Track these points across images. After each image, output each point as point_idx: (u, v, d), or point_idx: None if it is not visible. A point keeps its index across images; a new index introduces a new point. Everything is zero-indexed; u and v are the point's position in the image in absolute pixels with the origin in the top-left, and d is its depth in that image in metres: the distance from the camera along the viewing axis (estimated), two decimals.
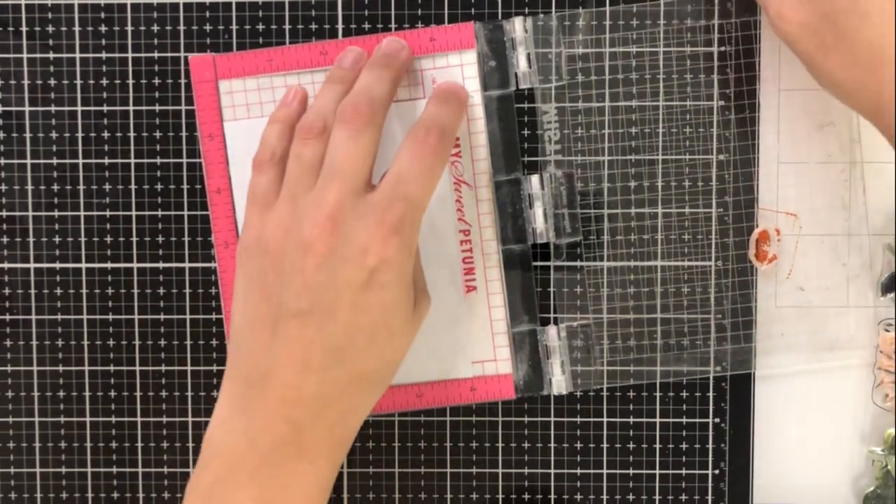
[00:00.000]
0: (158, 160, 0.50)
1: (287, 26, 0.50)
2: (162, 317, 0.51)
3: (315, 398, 0.43)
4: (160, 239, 0.51)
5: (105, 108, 0.50)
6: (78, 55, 0.50)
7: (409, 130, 0.44)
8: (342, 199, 0.42)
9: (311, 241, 0.42)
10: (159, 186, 0.51)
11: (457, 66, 0.49)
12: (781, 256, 0.50)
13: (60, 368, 0.51)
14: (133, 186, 0.51)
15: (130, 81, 0.50)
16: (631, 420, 0.51)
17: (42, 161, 0.51)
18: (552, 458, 0.51)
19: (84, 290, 0.51)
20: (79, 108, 0.50)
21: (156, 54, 0.50)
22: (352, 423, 0.45)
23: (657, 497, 0.51)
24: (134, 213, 0.51)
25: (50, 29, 0.50)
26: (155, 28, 0.50)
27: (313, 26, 0.50)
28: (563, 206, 0.50)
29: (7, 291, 0.51)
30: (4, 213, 0.51)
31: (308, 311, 0.42)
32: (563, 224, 0.50)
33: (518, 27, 0.49)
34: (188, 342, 0.51)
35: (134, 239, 0.51)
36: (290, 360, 0.43)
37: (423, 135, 0.44)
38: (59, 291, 0.51)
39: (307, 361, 0.43)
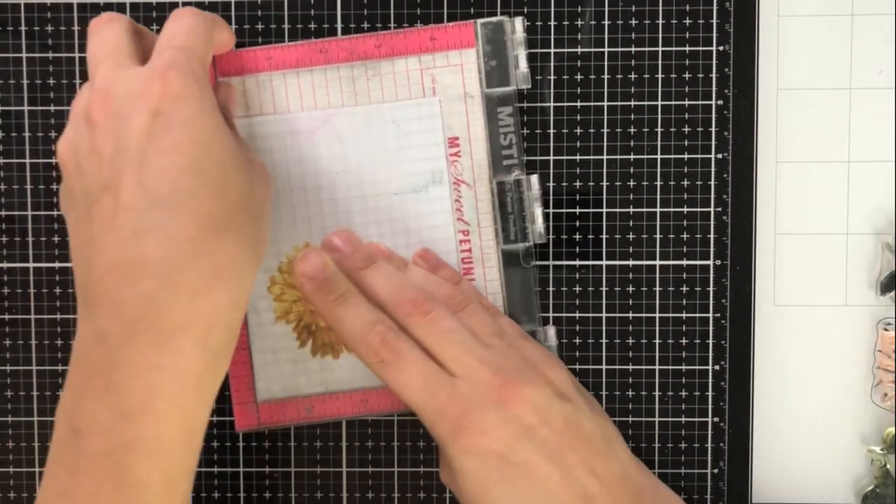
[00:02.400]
0: None
1: (287, 26, 0.50)
2: None
3: (162, 261, 0.38)
4: None
5: None
6: (77, 55, 0.50)
7: None
8: (110, 73, 0.41)
9: (91, 115, 0.40)
10: None
11: (457, 65, 0.49)
12: (778, 256, 0.50)
13: (60, 368, 0.51)
14: None
15: None
16: (630, 420, 0.51)
17: (42, 161, 0.51)
18: None
19: None
20: None
21: None
22: (222, 296, 0.39)
23: None
24: None
25: (50, 29, 0.50)
26: (155, 28, 0.50)
27: (313, 26, 0.50)
28: (523, 211, 0.50)
29: (7, 291, 0.51)
30: (4, 213, 0.51)
31: (114, 177, 0.39)
32: (528, 227, 0.50)
33: (518, 27, 0.49)
34: None
35: None
36: (110, 228, 0.38)
37: (178, 10, 0.43)
38: (58, 291, 0.51)
39: (136, 225, 0.38)
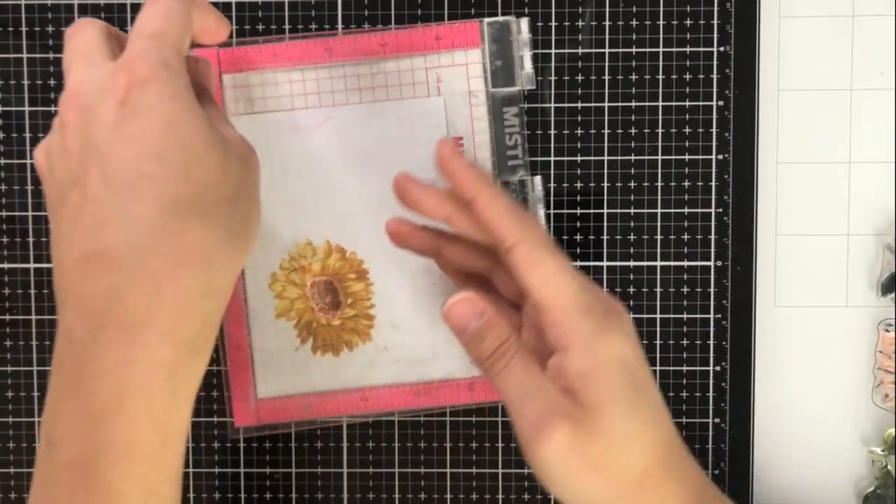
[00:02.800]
0: None
1: (287, 26, 0.50)
2: None
3: (123, 249, 0.35)
4: None
5: None
6: None
7: None
8: (81, 72, 0.39)
9: (63, 116, 0.38)
10: None
11: (462, 64, 0.49)
12: (779, 257, 0.51)
13: None
14: None
15: None
16: None
17: None
18: None
19: None
20: None
21: None
22: (189, 283, 0.36)
23: None
24: None
25: (50, 29, 0.50)
26: None
27: (313, 26, 0.50)
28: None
29: (7, 291, 0.51)
30: (4, 213, 0.51)
31: (81, 171, 0.37)
32: None
33: (524, 28, 0.49)
34: None
35: None
36: (77, 222, 0.36)
37: None
38: None
39: (100, 215, 0.36)
